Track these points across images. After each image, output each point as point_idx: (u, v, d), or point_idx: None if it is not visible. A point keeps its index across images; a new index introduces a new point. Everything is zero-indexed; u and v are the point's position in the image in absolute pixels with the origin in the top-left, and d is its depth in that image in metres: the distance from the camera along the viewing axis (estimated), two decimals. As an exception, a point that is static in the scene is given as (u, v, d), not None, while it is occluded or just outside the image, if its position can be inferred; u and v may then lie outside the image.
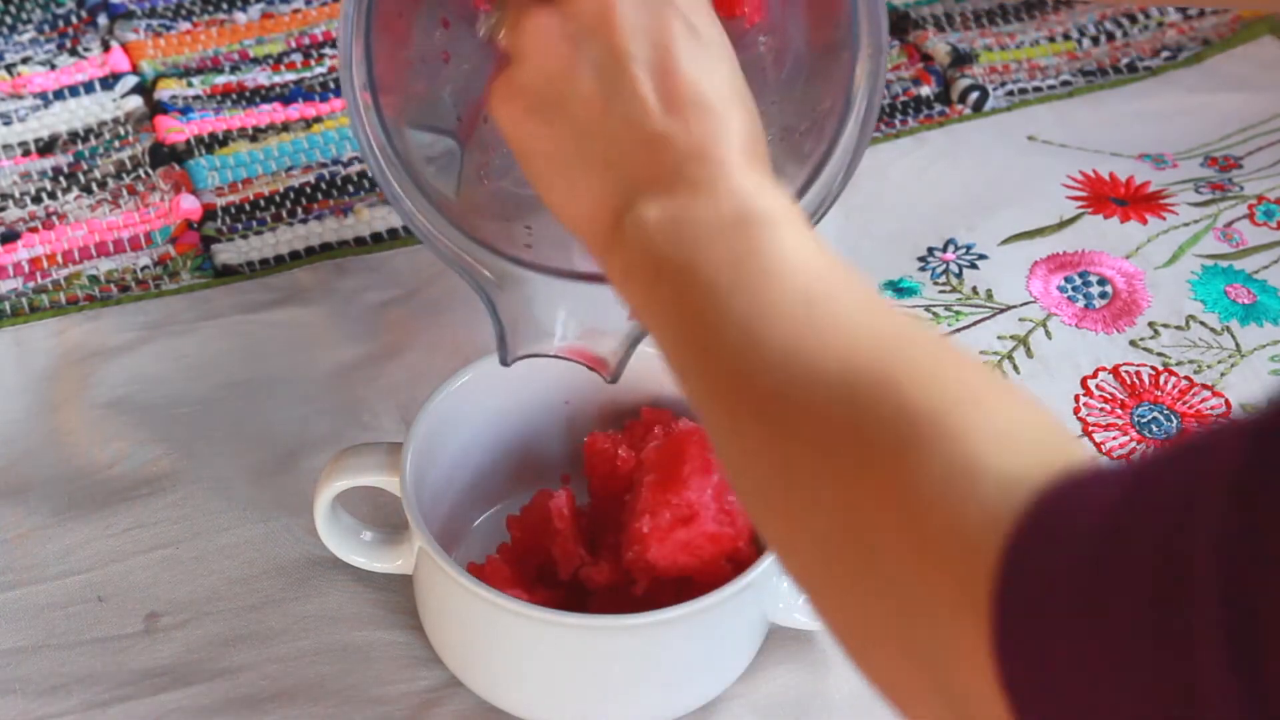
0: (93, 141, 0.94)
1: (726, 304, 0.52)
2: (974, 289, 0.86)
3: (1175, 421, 0.80)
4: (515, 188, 0.69)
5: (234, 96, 0.97)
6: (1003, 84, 1.00)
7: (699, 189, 0.55)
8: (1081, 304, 0.86)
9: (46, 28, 1.01)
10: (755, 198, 0.55)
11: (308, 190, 0.92)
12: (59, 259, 0.88)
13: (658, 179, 0.56)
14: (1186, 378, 0.82)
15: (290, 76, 0.98)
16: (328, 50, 1.00)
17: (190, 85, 0.97)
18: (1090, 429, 0.80)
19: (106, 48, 0.99)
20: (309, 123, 0.95)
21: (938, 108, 0.99)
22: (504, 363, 0.68)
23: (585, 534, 0.69)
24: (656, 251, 0.55)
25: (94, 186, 0.91)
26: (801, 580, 0.50)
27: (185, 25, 1.01)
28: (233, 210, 0.90)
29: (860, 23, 0.64)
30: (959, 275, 0.87)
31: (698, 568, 0.65)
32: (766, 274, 0.52)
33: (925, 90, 0.99)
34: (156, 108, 0.96)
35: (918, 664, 0.45)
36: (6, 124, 0.94)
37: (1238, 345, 0.84)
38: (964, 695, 0.43)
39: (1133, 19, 1.06)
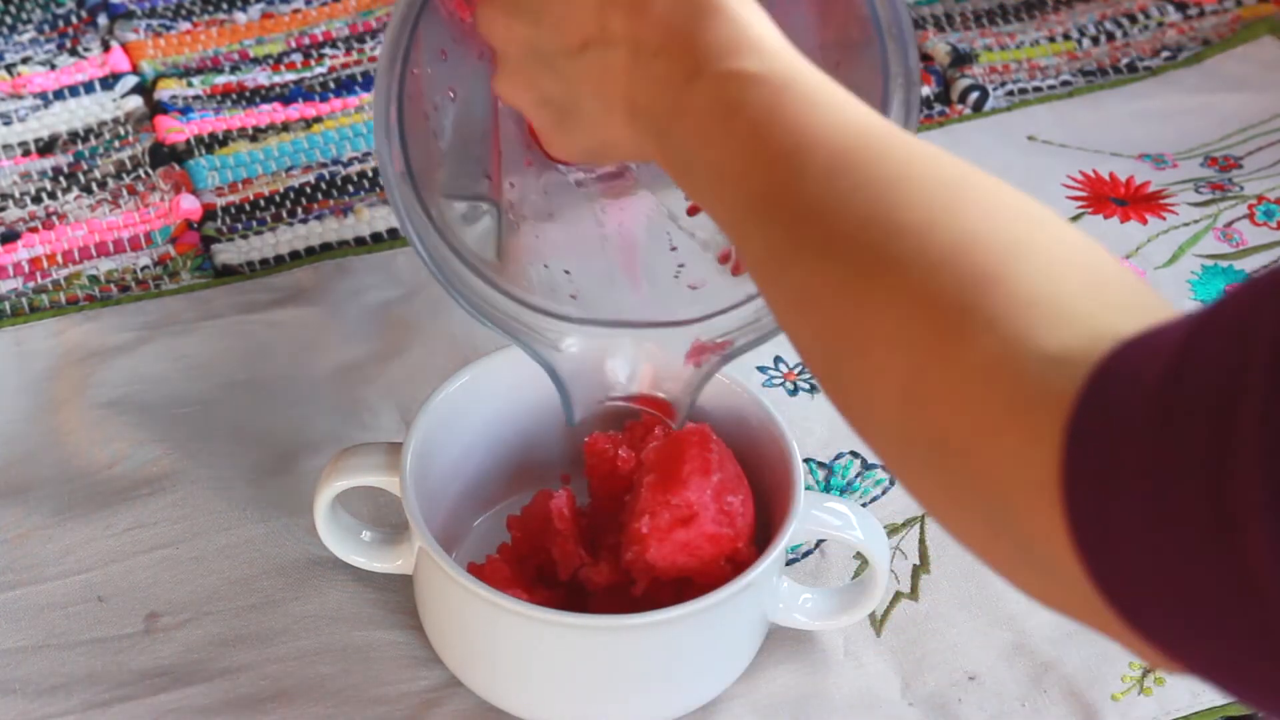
0: (93, 141, 0.94)
1: (749, 175, 0.52)
2: (974, 289, 0.86)
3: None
4: (549, 230, 0.70)
5: (234, 96, 0.97)
6: (1003, 84, 1.00)
7: (648, 74, 0.56)
8: (1081, 304, 0.85)
9: (46, 28, 1.01)
10: (692, 52, 0.55)
11: (308, 190, 0.92)
12: (59, 259, 0.88)
13: (630, 89, 0.57)
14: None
15: (290, 76, 0.98)
16: (328, 50, 1.00)
17: (190, 85, 0.97)
18: (1090, 429, 0.80)
19: (106, 48, 0.99)
20: (309, 123, 0.95)
21: (938, 108, 0.99)
22: (571, 423, 0.69)
23: (585, 534, 0.69)
24: (671, 152, 0.56)
25: (94, 186, 0.91)
26: (871, 443, 0.50)
27: (185, 25, 1.01)
28: (233, 210, 0.90)
29: (889, 54, 0.64)
30: (959, 275, 0.87)
31: (697, 568, 0.65)
32: (835, 126, 0.52)
33: (925, 90, 0.99)
34: (156, 108, 0.96)
35: (995, 529, 0.45)
36: (6, 124, 0.94)
37: (1238, 345, 0.84)
38: (1047, 561, 0.43)
39: (1132, 19, 1.06)
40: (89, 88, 0.97)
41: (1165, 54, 1.03)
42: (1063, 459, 0.42)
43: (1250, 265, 0.88)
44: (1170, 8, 1.06)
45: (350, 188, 0.92)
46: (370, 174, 0.93)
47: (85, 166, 0.92)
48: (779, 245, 0.51)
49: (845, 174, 0.50)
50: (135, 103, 0.96)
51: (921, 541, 0.75)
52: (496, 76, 0.62)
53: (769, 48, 0.54)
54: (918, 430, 0.47)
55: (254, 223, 0.90)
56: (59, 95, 0.96)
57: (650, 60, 0.56)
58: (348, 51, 1.00)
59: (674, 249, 0.69)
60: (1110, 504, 0.41)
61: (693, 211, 0.71)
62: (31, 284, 0.86)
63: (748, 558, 0.66)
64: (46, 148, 0.94)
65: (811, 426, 0.79)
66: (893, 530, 0.75)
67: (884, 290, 0.48)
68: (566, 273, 0.70)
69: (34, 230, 0.89)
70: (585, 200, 0.71)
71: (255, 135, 0.94)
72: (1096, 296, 0.46)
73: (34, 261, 0.87)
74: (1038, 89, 1.00)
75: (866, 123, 0.52)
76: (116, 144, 0.94)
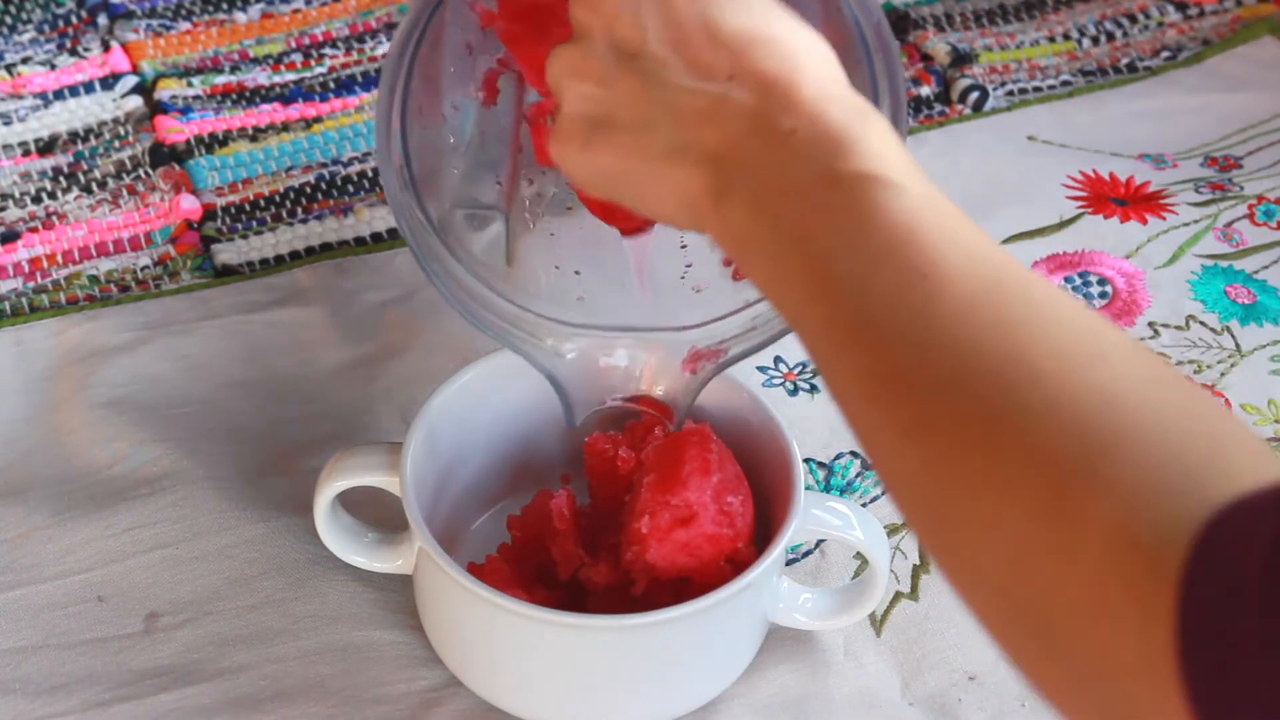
0: (93, 141, 0.94)
1: (867, 281, 0.49)
2: (974, 289, 0.86)
3: (1175, 421, 0.80)
4: (563, 228, 0.70)
5: (234, 96, 0.97)
6: (1003, 84, 1.00)
7: (776, 144, 0.52)
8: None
9: (46, 28, 1.01)
10: (842, 144, 0.51)
11: (308, 190, 0.92)
12: (59, 259, 0.88)
13: (733, 146, 0.53)
14: (1187, 378, 0.82)
15: (290, 76, 0.98)
16: (328, 50, 1.00)
17: (190, 85, 0.97)
18: (1090, 429, 0.80)
19: (106, 48, 0.99)
20: (309, 123, 0.95)
21: (938, 108, 0.99)
22: (571, 425, 0.69)
23: (585, 534, 0.69)
24: (766, 228, 0.52)
25: (94, 186, 0.91)
26: (967, 597, 0.47)
27: (185, 25, 1.01)
28: (233, 210, 0.90)
29: (878, 77, 0.64)
30: (959, 275, 0.87)
31: (696, 568, 0.65)
32: (892, 248, 0.49)
33: (925, 90, 0.99)
34: (156, 108, 0.96)
35: (1101, 703, 0.43)
36: (6, 124, 0.94)
37: (1238, 345, 0.84)
38: None
39: (1132, 19, 1.06)
40: (89, 88, 0.97)
41: (1165, 54, 1.03)
42: (1177, 635, 0.40)
43: (1250, 265, 0.88)
44: (1170, 8, 1.06)
45: (350, 188, 0.92)
46: (370, 174, 0.93)
47: (85, 166, 0.92)
48: (891, 366, 0.48)
49: (982, 310, 0.47)
50: (135, 103, 0.96)
51: (921, 541, 0.75)
52: (555, 49, 0.58)
53: (914, 167, 0.52)
54: (1023, 592, 0.44)
55: (254, 223, 0.90)
56: (59, 95, 0.96)
57: (777, 126, 0.52)
58: (348, 51, 1.00)
59: (684, 245, 0.69)
60: (1231, 683, 0.39)
61: None
62: (31, 284, 0.86)
63: (748, 558, 0.66)
64: (46, 148, 0.94)
65: (811, 426, 0.79)
66: (893, 530, 0.75)
67: (1006, 436, 0.45)
68: (577, 273, 0.70)
69: (34, 230, 0.89)
70: None
71: (255, 135, 0.94)
72: (1210, 457, 0.43)
73: (34, 261, 0.87)
74: (1038, 89, 1.00)
75: (1003, 259, 0.49)
76: (116, 144, 0.94)
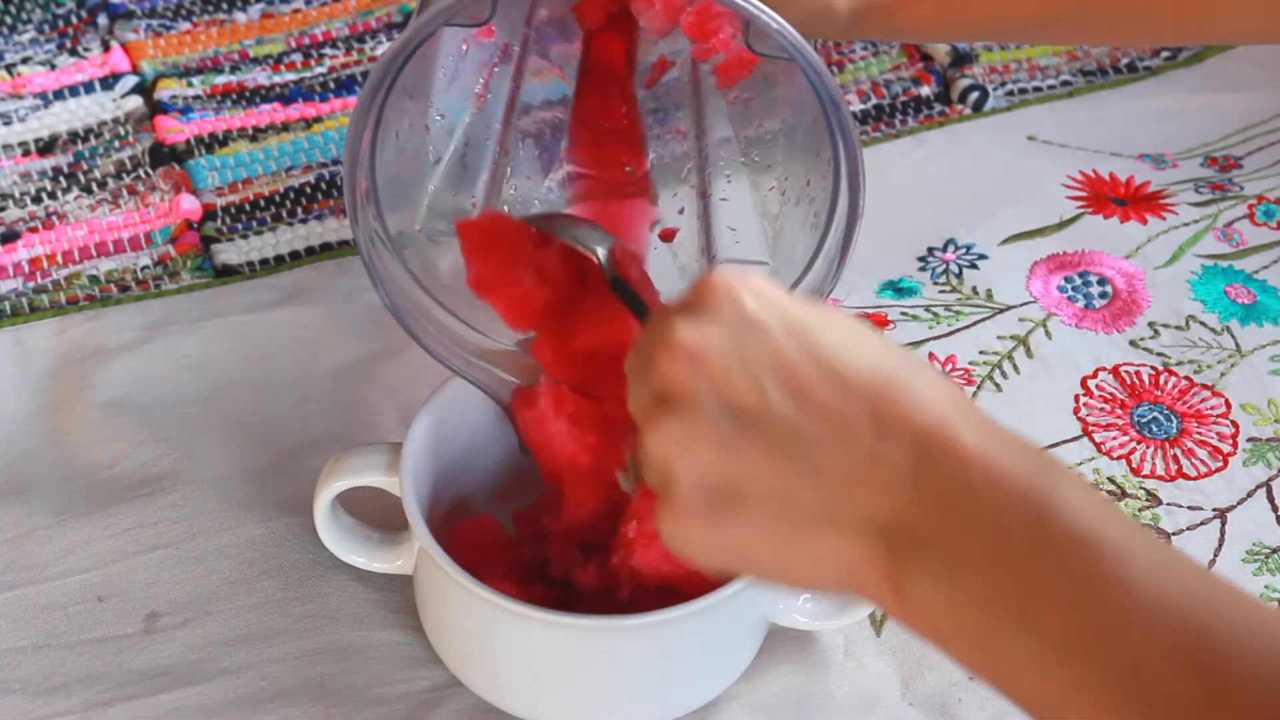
0: (93, 141, 0.94)
1: (1124, 644, 0.46)
2: (974, 289, 0.86)
3: (1175, 421, 0.80)
4: None
5: (234, 96, 0.97)
6: (1003, 84, 1.00)
7: (954, 508, 0.48)
8: (1081, 304, 0.86)
9: (46, 28, 1.01)
10: (1036, 500, 0.48)
11: (308, 190, 0.92)
12: (59, 259, 0.88)
13: (899, 512, 0.49)
14: (1186, 378, 0.82)
15: (290, 76, 0.98)
16: (328, 50, 1.00)
17: (190, 85, 0.97)
18: (1090, 429, 0.80)
19: (106, 48, 0.99)
20: (309, 123, 0.95)
21: (938, 108, 0.99)
22: (525, 453, 0.70)
23: (582, 534, 0.69)
24: (974, 605, 0.48)
25: (94, 186, 0.91)
26: None
27: (185, 25, 1.01)
28: (233, 210, 0.90)
29: (839, 153, 0.64)
30: (959, 275, 0.87)
31: (682, 576, 0.65)
32: (1104, 590, 0.46)
33: (925, 90, 0.99)
34: (156, 108, 0.96)
35: None
36: (6, 124, 0.94)
37: (1238, 345, 0.84)
38: None
39: (1133, 19, 1.05)
40: (89, 88, 0.97)
41: (1165, 54, 1.03)
42: None
43: (1250, 265, 0.88)
44: (1170, 8, 1.06)
45: (350, 188, 0.92)
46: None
47: (85, 166, 0.92)
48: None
49: (1191, 661, 0.45)
50: (135, 103, 0.96)
51: (921, 542, 0.75)
52: (655, 413, 0.52)
53: (1113, 511, 0.48)
54: None
55: (254, 223, 0.90)
56: (59, 95, 0.96)
57: (949, 486, 0.48)
58: (348, 51, 1.00)
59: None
60: None
61: (668, 235, 0.72)
62: (32, 284, 0.87)
63: None
64: (46, 148, 0.94)
65: (811, 426, 0.79)
66: (893, 530, 0.75)
67: None
68: None
69: (34, 230, 0.89)
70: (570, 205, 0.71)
71: (255, 135, 0.94)
72: None
73: (34, 261, 0.87)
74: (1038, 89, 1.00)
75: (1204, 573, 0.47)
76: (116, 144, 0.94)
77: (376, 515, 0.73)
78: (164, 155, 0.93)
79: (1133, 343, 0.84)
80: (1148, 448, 0.79)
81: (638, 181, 0.72)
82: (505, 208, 0.71)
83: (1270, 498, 0.77)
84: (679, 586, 0.65)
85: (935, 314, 0.84)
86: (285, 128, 0.95)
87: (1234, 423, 0.80)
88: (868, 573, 0.49)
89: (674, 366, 0.51)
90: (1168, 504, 0.77)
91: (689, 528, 0.51)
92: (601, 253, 0.63)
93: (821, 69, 0.60)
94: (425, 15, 0.60)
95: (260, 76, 0.98)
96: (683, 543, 0.52)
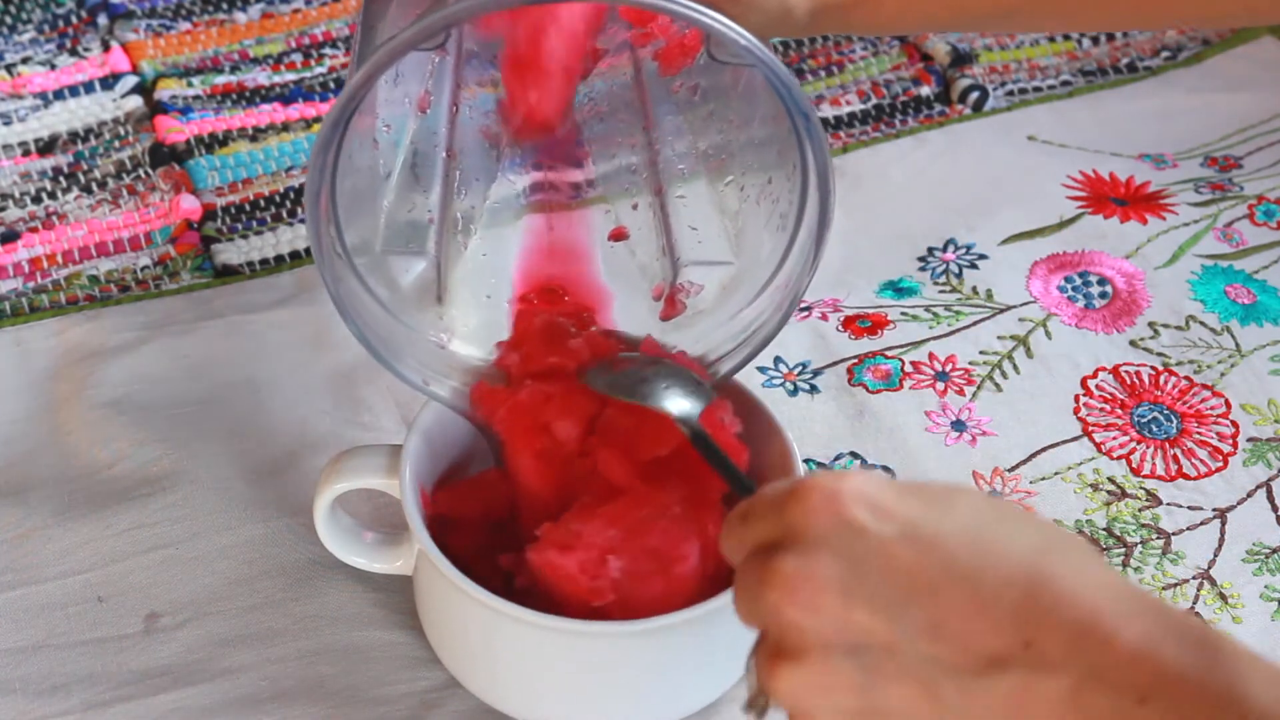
0: (93, 141, 0.94)
1: None
2: (974, 289, 0.86)
3: (1175, 421, 0.80)
4: (492, 255, 0.70)
5: (234, 96, 0.97)
6: (1003, 84, 1.00)
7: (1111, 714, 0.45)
8: (1081, 304, 0.86)
9: (46, 28, 1.01)
10: (1213, 700, 0.45)
11: (308, 190, 0.92)
12: (59, 259, 0.88)
13: None
14: (1186, 378, 0.82)
15: (290, 76, 0.98)
16: (328, 50, 1.00)
17: (190, 85, 0.97)
18: (1090, 429, 0.80)
19: (106, 48, 0.99)
20: (309, 123, 0.95)
21: (938, 108, 0.99)
22: (499, 465, 0.69)
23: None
24: None
25: (94, 186, 0.91)
26: None
27: (185, 25, 1.01)
28: (233, 210, 0.90)
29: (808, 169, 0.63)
30: (959, 275, 0.87)
31: (558, 597, 0.64)
32: None
33: (925, 90, 0.99)
34: (156, 108, 0.96)
35: None
36: (6, 124, 0.94)
37: (1237, 345, 0.84)
38: None
39: (1133, 19, 1.06)
40: (89, 88, 0.97)
41: (1165, 54, 1.03)
42: None
43: (1250, 265, 0.88)
44: (1170, 7, 1.06)
45: (350, 188, 0.92)
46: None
47: (85, 166, 0.93)
48: None
49: None
50: (135, 103, 0.96)
51: (921, 542, 0.75)
52: (776, 665, 0.49)
53: None
54: None
55: (254, 223, 0.90)
56: (59, 95, 0.96)
57: (1119, 702, 0.45)
58: (347, 51, 1.00)
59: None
60: None
61: (618, 235, 0.71)
62: (31, 284, 0.87)
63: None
64: (46, 148, 0.94)
65: (811, 426, 0.79)
66: (893, 530, 0.75)
67: None
68: (507, 304, 0.70)
69: (34, 230, 0.89)
70: (528, 211, 0.71)
71: (255, 135, 0.94)
72: None
73: (34, 261, 0.87)
74: (1038, 89, 1.00)
75: None
76: (116, 144, 0.94)
77: (376, 516, 0.73)
78: (164, 155, 0.93)
79: (1133, 343, 0.84)
80: (1148, 448, 0.79)
81: (589, 185, 0.72)
82: (459, 222, 0.70)
83: (1270, 498, 0.77)
84: (557, 599, 0.64)
85: (935, 314, 0.84)
86: (285, 128, 0.95)
87: (1234, 423, 0.80)
88: None
89: (788, 611, 0.47)
90: (1168, 504, 0.77)
91: (810, 678, 0.48)
92: (689, 420, 0.63)
93: (790, 80, 0.60)
94: (384, 50, 0.59)
95: (260, 76, 0.98)
96: (787, 681, 0.49)
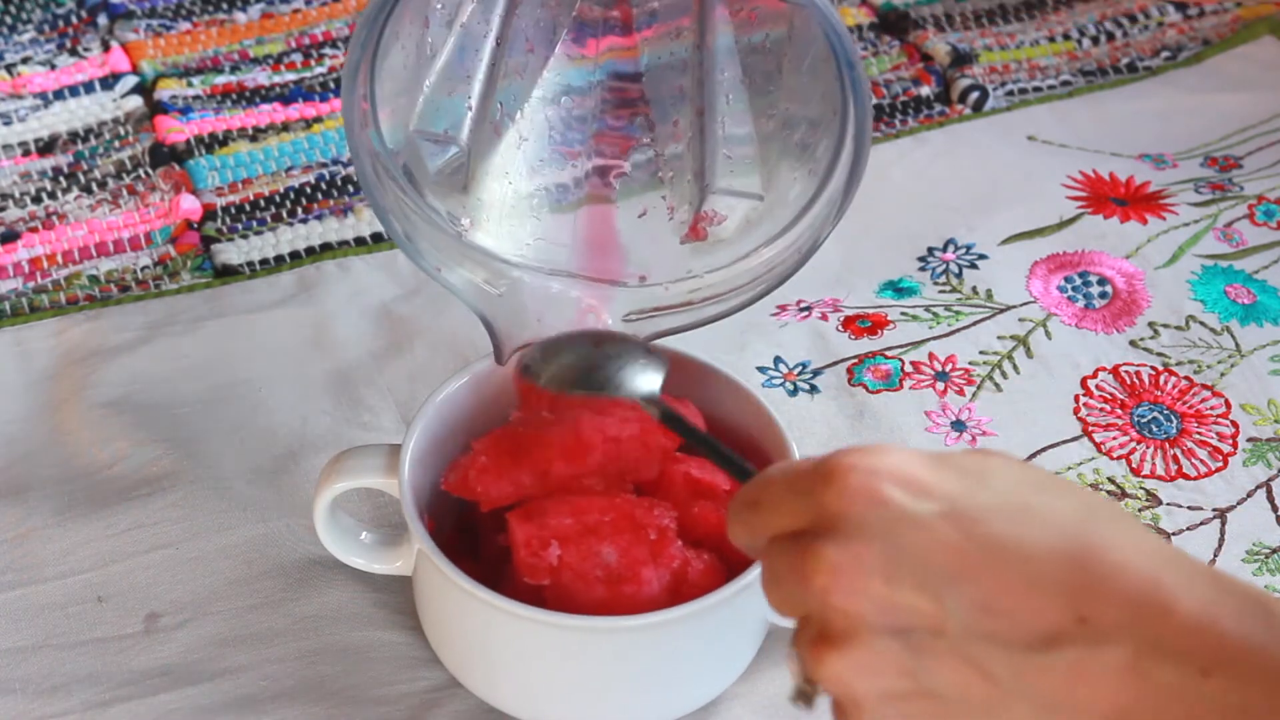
0: (93, 141, 0.94)
1: None
2: (974, 289, 0.86)
3: (1175, 421, 0.80)
4: (532, 138, 0.69)
5: (234, 96, 0.97)
6: (1003, 84, 1.00)
7: (1190, 698, 0.44)
8: (1081, 304, 0.86)
9: (46, 28, 1.01)
10: (1231, 639, 0.45)
11: (308, 190, 0.92)
12: (59, 259, 0.88)
13: (1125, 711, 0.45)
14: (1186, 378, 0.82)
15: (290, 76, 0.98)
16: (328, 50, 1.00)
17: (190, 85, 0.97)
18: (1090, 429, 0.80)
19: (106, 48, 0.99)
20: (309, 123, 0.95)
21: (938, 108, 0.99)
22: (500, 362, 0.69)
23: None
24: None
25: (94, 186, 0.91)
26: None
27: (185, 25, 1.01)
28: (233, 210, 0.90)
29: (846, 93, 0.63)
30: (959, 275, 0.87)
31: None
32: None
33: (925, 90, 0.99)
34: (156, 108, 0.96)
35: None
36: (6, 124, 0.94)
37: (1237, 345, 0.84)
38: None
39: (1132, 19, 1.06)
40: (89, 88, 0.97)
41: (1165, 54, 1.03)
42: None
43: (1250, 265, 0.88)
44: (1170, 8, 1.06)
45: (350, 187, 0.92)
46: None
47: (85, 166, 0.93)
48: None
49: None
50: (135, 103, 0.96)
51: (921, 542, 0.75)
52: (822, 652, 0.48)
53: None
54: None
55: (254, 223, 0.90)
56: (59, 95, 0.96)
57: (1179, 673, 0.45)
58: (347, 51, 1.00)
59: (642, 214, 0.69)
60: None
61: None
62: (31, 284, 0.87)
63: (746, 559, 0.66)
64: (46, 148, 0.94)
65: (811, 426, 0.79)
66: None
67: None
68: (537, 219, 0.70)
69: (34, 230, 0.89)
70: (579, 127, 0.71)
71: (255, 135, 0.94)
72: None
73: (34, 261, 0.87)
74: (1038, 89, 1.00)
75: None
76: (116, 144, 0.94)
77: (376, 516, 0.73)
78: (164, 155, 0.93)
79: (1133, 343, 0.84)
80: (1148, 448, 0.79)
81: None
82: (500, 108, 0.70)
83: (1270, 498, 0.77)
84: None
85: (935, 314, 0.84)
86: (285, 128, 0.95)
87: (1234, 423, 0.80)
88: None
89: (833, 597, 0.47)
90: (1168, 504, 0.77)
91: (863, 661, 0.47)
92: (654, 399, 0.62)
93: (841, 29, 0.60)
94: None
95: (260, 76, 0.98)
96: (837, 666, 0.48)
